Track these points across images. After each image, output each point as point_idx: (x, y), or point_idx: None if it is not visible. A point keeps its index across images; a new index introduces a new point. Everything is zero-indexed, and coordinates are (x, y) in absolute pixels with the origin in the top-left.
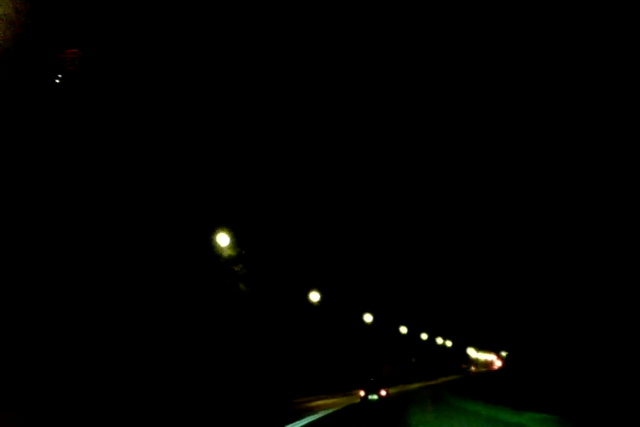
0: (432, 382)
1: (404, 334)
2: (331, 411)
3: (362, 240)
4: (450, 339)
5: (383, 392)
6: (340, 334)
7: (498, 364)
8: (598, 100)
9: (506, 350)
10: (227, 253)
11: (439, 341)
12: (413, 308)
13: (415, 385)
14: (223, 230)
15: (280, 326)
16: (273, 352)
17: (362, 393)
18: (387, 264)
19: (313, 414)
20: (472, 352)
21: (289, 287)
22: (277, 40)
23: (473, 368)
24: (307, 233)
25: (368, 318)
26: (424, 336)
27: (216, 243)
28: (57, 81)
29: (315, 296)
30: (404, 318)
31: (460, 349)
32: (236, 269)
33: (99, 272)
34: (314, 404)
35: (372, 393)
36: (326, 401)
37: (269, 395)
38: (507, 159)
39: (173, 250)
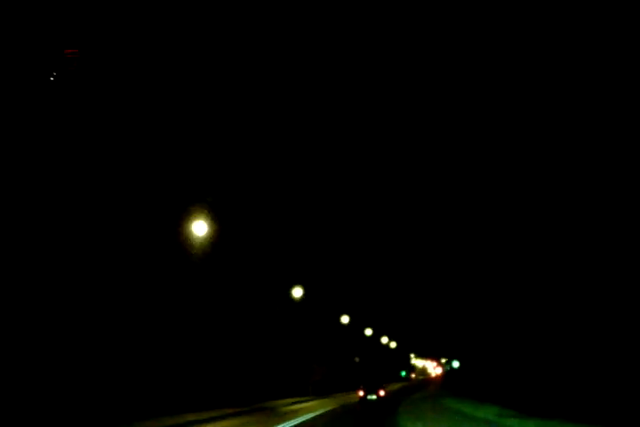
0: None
1: (345, 326)
2: None
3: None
4: (394, 340)
5: (382, 393)
6: (250, 310)
7: (438, 371)
8: (598, 100)
9: (447, 357)
10: None
11: (384, 340)
12: (358, 295)
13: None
14: None
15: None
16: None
17: (361, 393)
18: (332, 233)
19: None
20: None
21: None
22: (277, 41)
23: (413, 375)
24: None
25: (297, 292)
26: (368, 332)
27: None
28: (56, 81)
29: (201, 229)
30: (347, 306)
31: (402, 352)
32: None
33: None
34: None
35: (371, 393)
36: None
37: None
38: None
39: None
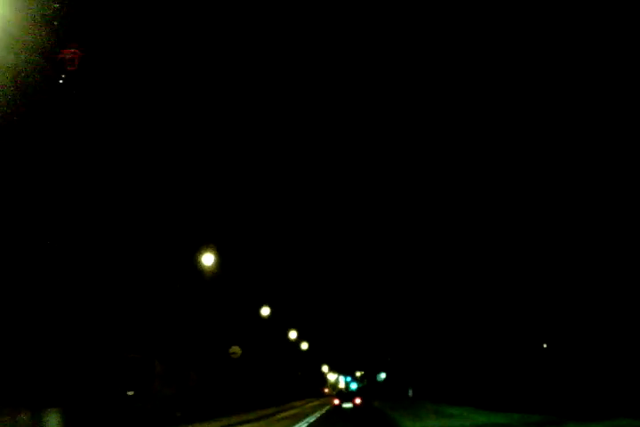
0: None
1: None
2: None
3: None
4: (306, 340)
5: (358, 400)
6: None
7: (353, 386)
8: (598, 99)
9: (362, 370)
10: None
11: (292, 335)
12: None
13: None
14: None
15: None
16: None
17: (336, 402)
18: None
19: None
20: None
21: None
22: (277, 41)
23: (326, 390)
24: None
25: None
26: (265, 312)
27: None
28: (58, 81)
29: None
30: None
31: (314, 360)
32: None
33: None
34: None
35: (347, 401)
36: None
37: None
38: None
39: None
